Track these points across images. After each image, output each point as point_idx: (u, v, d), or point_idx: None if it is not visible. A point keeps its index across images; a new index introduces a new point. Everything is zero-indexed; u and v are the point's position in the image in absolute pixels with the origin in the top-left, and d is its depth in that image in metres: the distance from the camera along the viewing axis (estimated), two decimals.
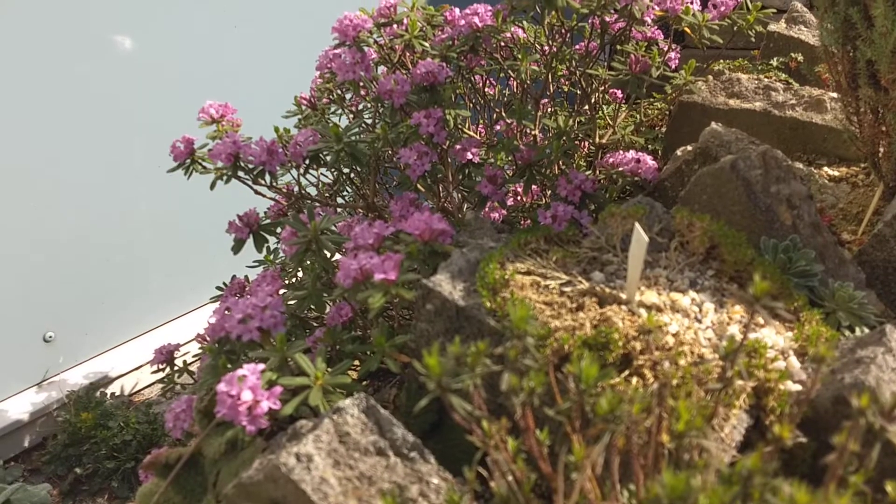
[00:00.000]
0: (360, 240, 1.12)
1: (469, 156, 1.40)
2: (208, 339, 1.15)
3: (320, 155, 1.37)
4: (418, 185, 1.40)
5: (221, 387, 0.87)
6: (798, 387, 0.88)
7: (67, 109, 2.02)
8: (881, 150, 1.33)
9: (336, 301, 1.23)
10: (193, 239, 2.44)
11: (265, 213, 1.57)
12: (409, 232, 1.10)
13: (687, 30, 1.37)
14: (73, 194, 2.10)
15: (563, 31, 1.43)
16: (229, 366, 1.06)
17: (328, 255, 1.18)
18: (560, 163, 1.45)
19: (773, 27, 1.96)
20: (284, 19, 2.53)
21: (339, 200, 1.72)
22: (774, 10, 1.45)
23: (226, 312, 1.09)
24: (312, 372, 0.93)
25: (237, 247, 1.32)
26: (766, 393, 0.87)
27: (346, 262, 1.01)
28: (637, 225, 0.92)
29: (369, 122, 1.63)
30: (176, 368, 1.78)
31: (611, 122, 1.59)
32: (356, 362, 1.23)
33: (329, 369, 0.96)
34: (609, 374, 0.81)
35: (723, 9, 1.39)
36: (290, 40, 2.55)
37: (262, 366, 0.91)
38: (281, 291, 1.33)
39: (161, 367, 1.76)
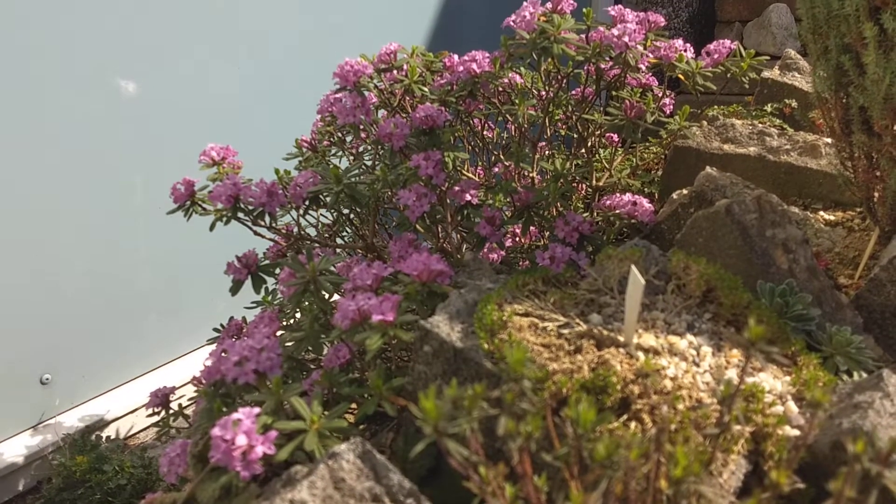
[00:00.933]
0: (358, 280, 1.12)
1: (468, 197, 1.41)
2: (204, 381, 1.14)
3: (320, 196, 1.38)
4: (417, 226, 1.41)
5: (216, 431, 0.87)
6: (796, 432, 0.87)
7: (69, 151, 2.05)
8: (876, 194, 1.34)
9: (334, 342, 1.23)
10: (191, 280, 2.44)
11: (264, 253, 1.58)
12: (407, 273, 1.11)
13: (681, 76, 1.39)
14: (73, 236, 2.11)
15: (559, 77, 1.46)
16: (224, 409, 1.05)
17: (326, 295, 1.18)
18: (558, 205, 1.47)
19: (766, 74, 2.00)
20: (286, 64, 2.57)
21: (339, 241, 1.72)
22: (768, 57, 1.48)
23: (222, 355, 1.09)
24: (308, 416, 0.93)
25: (235, 288, 1.32)
26: (764, 438, 0.86)
27: (345, 303, 1.01)
28: (634, 267, 0.93)
29: (369, 164, 1.65)
30: (171, 412, 1.76)
31: (607, 166, 1.61)
32: (353, 405, 1.22)
33: (325, 413, 0.95)
34: (607, 418, 0.80)
35: (716, 56, 1.42)
36: (292, 84, 2.59)
37: (257, 409, 0.90)
38: (278, 333, 1.33)
39: (156, 410, 1.74)
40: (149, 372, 2.42)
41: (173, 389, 1.79)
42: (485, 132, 1.66)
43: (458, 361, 0.98)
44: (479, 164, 1.71)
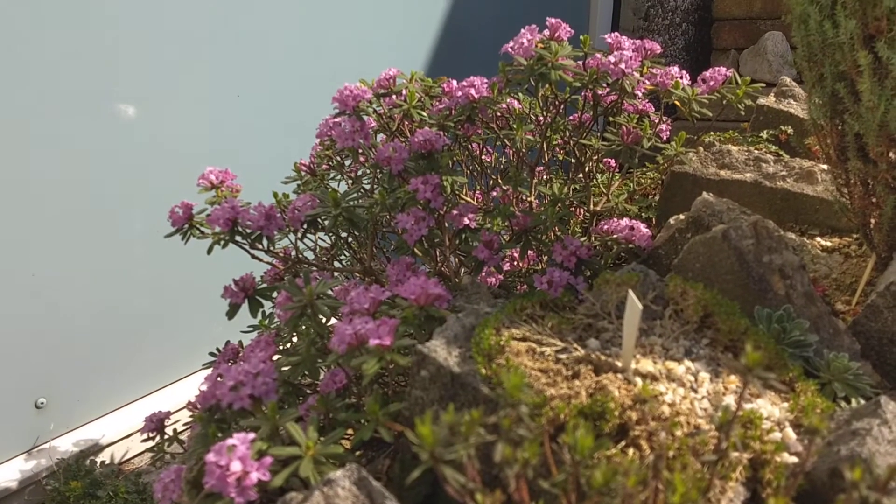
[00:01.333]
0: (355, 304, 1.12)
1: (466, 221, 1.42)
2: (199, 406, 1.14)
3: (318, 219, 1.39)
4: (415, 250, 1.41)
5: (210, 457, 0.86)
6: (794, 459, 0.87)
7: (65, 174, 2.05)
8: (872, 221, 1.34)
9: (330, 367, 1.22)
10: (187, 304, 2.43)
11: (261, 277, 1.57)
12: (405, 296, 1.10)
13: (677, 103, 1.41)
14: (69, 260, 2.10)
15: (556, 102, 1.47)
16: (220, 435, 1.04)
17: (323, 319, 1.18)
18: (556, 229, 1.47)
19: (762, 101, 2.01)
20: (285, 88, 2.59)
21: (336, 265, 1.72)
22: (764, 84, 1.49)
23: (218, 379, 1.09)
24: (304, 442, 0.92)
25: (232, 312, 1.32)
26: (762, 465, 0.86)
27: (342, 327, 1.01)
28: (631, 292, 0.93)
29: (367, 187, 1.66)
30: (166, 437, 1.75)
31: (605, 190, 1.61)
32: (349, 431, 1.21)
33: (321, 438, 0.95)
34: (605, 444, 0.80)
35: (712, 83, 1.43)
36: (291, 109, 2.61)
37: (252, 435, 0.90)
38: (275, 357, 1.32)
39: (151, 435, 1.73)
40: (144, 396, 2.41)
41: (168, 414, 1.78)
42: (483, 157, 1.67)
43: (455, 386, 0.97)
44: (478, 188, 1.71)
